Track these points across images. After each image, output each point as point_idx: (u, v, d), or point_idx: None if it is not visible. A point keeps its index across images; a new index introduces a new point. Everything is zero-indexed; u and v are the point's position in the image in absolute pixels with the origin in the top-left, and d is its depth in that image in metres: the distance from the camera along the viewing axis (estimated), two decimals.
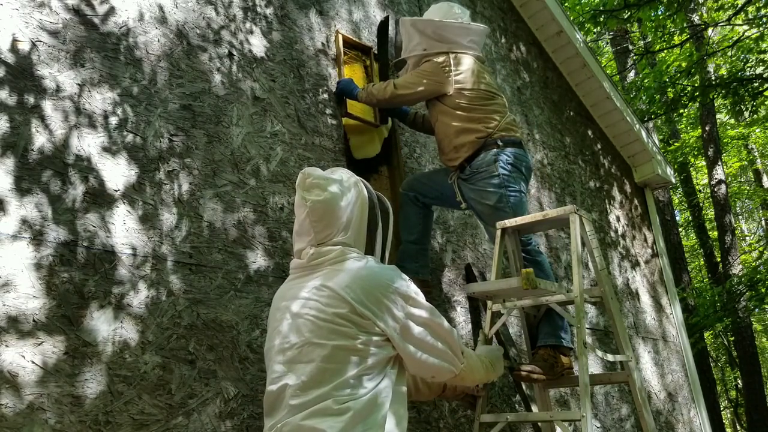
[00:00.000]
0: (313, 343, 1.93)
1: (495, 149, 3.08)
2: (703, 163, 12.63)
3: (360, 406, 1.84)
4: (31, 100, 2.26)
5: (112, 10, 2.60)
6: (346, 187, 2.19)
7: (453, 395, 2.73)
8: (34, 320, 2.04)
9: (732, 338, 12.38)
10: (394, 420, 1.91)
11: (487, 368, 2.48)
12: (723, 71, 11.42)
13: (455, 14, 3.35)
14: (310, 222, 2.14)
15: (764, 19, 8.19)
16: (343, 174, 2.25)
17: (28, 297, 2.05)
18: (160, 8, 2.78)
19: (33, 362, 2.00)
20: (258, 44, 3.14)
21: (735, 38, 9.35)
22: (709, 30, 10.44)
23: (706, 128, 11.26)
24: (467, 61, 3.26)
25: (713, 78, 9.77)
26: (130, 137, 2.49)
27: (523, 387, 3.66)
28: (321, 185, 2.14)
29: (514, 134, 3.17)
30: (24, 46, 2.29)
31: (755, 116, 10.75)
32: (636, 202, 6.25)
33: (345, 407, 1.82)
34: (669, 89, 9.63)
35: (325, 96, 3.41)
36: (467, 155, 3.13)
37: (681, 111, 9.52)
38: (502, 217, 3.01)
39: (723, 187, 10.95)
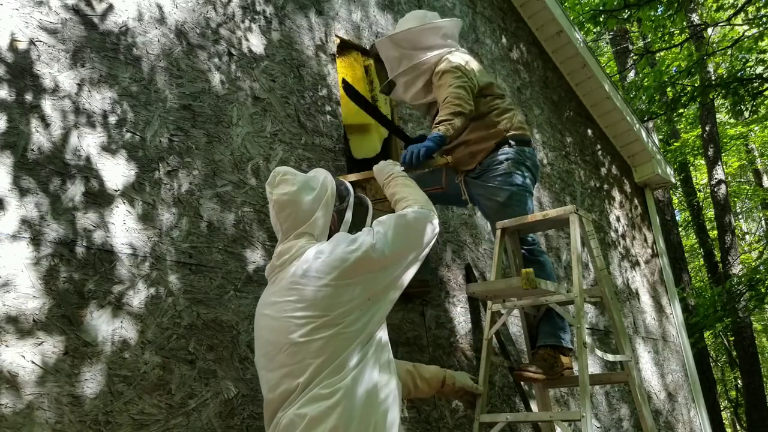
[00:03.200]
0: (296, 343, 1.98)
1: (507, 148, 3.08)
2: (703, 162, 12.63)
3: (350, 383, 1.90)
4: (30, 99, 2.26)
5: (111, 10, 2.60)
6: (313, 183, 2.26)
7: (452, 392, 2.73)
8: (34, 320, 2.04)
9: (732, 338, 12.38)
10: (386, 385, 1.97)
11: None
12: (721, 70, 11.42)
13: (428, 18, 3.24)
14: (276, 216, 2.23)
15: (764, 19, 8.18)
16: (316, 172, 2.34)
17: (28, 297, 2.05)
18: (160, 8, 2.78)
19: (33, 362, 2.00)
20: (258, 44, 3.14)
21: (735, 38, 9.34)
22: (709, 30, 10.44)
23: (706, 128, 11.26)
24: (470, 57, 3.21)
25: (713, 78, 9.76)
26: (129, 137, 2.49)
27: (523, 387, 3.66)
28: (288, 181, 2.23)
29: (525, 133, 3.15)
30: (23, 46, 2.29)
31: (755, 116, 10.74)
32: (636, 202, 6.25)
33: (335, 389, 1.89)
34: (669, 89, 9.63)
35: (325, 95, 3.40)
36: (482, 159, 3.12)
37: (681, 111, 9.50)
38: (511, 214, 3.00)
39: (723, 187, 10.94)
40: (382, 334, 2.09)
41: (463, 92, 2.98)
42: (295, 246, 2.16)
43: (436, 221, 2.31)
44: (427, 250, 2.28)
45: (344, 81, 3.42)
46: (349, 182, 2.97)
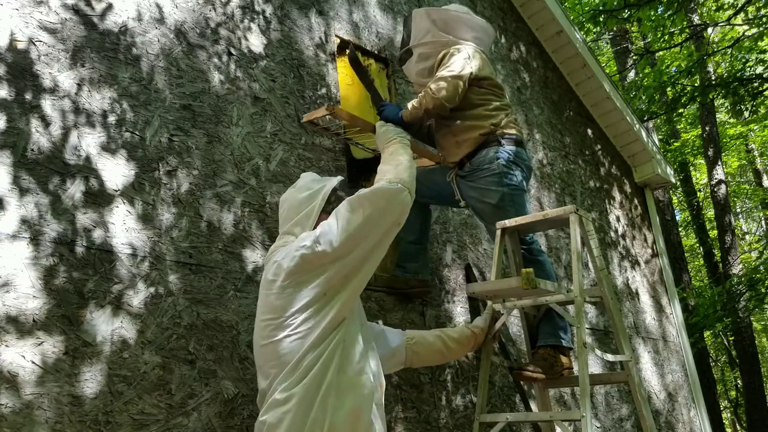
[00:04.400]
0: (261, 347, 2.07)
1: (496, 146, 3.04)
2: (703, 161, 12.62)
3: (305, 390, 1.92)
4: (30, 99, 2.26)
5: (111, 10, 2.60)
6: (314, 184, 2.34)
7: (487, 336, 2.86)
8: (34, 320, 2.04)
9: (732, 338, 12.38)
10: (346, 386, 1.97)
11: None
12: (720, 69, 11.42)
13: (466, 11, 3.33)
14: (279, 212, 2.41)
15: (764, 19, 8.18)
16: (327, 179, 2.42)
17: (27, 297, 2.05)
18: (160, 8, 2.78)
19: (33, 362, 2.00)
20: (258, 44, 3.14)
21: (735, 38, 9.34)
22: (709, 30, 10.44)
23: (706, 128, 11.26)
24: (479, 53, 3.23)
25: (713, 78, 9.76)
26: (129, 136, 2.49)
27: (523, 387, 3.66)
28: (299, 182, 2.41)
29: (516, 133, 3.12)
30: (23, 46, 2.29)
31: (755, 116, 10.75)
32: (636, 202, 6.25)
33: (290, 394, 1.92)
34: (669, 89, 9.62)
35: (325, 95, 3.40)
36: (468, 152, 3.10)
37: (681, 111, 9.50)
38: (504, 216, 2.99)
39: (723, 187, 10.94)
40: (346, 330, 2.05)
41: (434, 96, 2.97)
42: (276, 247, 2.24)
43: (404, 195, 2.16)
44: (395, 227, 2.16)
45: (352, 50, 3.44)
46: (347, 116, 3.02)
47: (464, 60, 3.06)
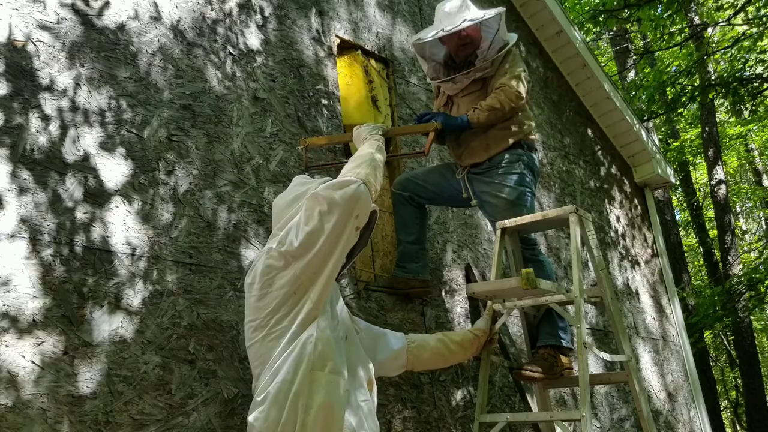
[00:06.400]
0: (248, 348, 2.12)
1: (520, 150, 3.11)
2: (703, 161, 12.61)
3: (277, 390, 1.95)
4: (30, 99, 2.26)
5: (111, 10, 2.60)
6: (296, 187, 2.32)
7: (490, 338, 2.87)
8: (33, 320, 2.04)
9: (732, 338, 12.38)
10: (319, 386, 1.97)
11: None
12: (720, 68, 11.41)
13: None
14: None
15: (764, 19, 8.18)
16: (312, 181, 2.37)
17: (27, 297, 2.05)
18: (159, 8, 2.78)
19: (33, 362, 2.00)
20: (257, 44, 3.14)
21: (735, 38, 9.34)
22: (709, 29, 10.44)
23: (706, 128, 11.25)
24: None
25: (713, 78, 9.76)
26: (129, 136, 2.49)
27: (523, 387, 3.66)
28: (289, 186, 2.39)
29: (536, 139, 3.23)
30: (23, 45, 2.29)
31: (755, 115, 10.74)
32: (636, 202, 6.24)
33: (266, 395, 1.96)
34: (669, 89, 9.62)
35: (325, 95, 3.40)
36: (495, 154, 3.11)
37: (681, 111, 9.49)
38: (515, 213, 3.00)
39: (723, 187, 10.93)
40: (318, 327, 2.04)
41: (519, 94, 3.00)
42: (260, 252, 2.28)
43: (356, 186, 2.13)
44: (353, 220, 2.13)
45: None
46: (322, 140, 3.04)
47: (525, 74, 3.08)
